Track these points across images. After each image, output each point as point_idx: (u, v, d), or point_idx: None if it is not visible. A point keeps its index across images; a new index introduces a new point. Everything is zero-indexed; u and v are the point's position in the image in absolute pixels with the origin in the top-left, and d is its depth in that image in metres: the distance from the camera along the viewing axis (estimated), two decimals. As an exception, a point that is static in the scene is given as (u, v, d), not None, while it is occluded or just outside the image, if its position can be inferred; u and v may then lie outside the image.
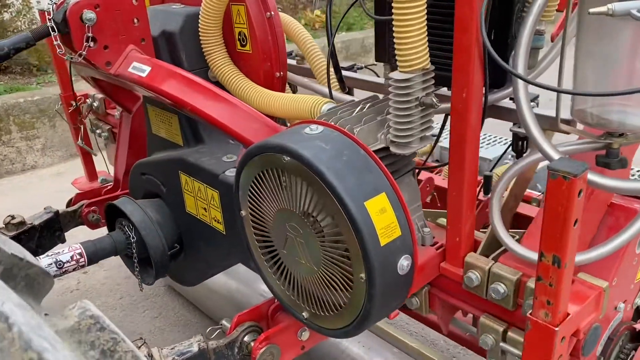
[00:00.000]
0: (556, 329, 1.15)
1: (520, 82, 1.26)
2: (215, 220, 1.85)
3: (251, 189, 1.40)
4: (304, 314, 1.43)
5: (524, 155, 1.46)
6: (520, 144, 1.56)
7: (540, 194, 2.04)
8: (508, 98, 1.51)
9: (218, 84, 1.92)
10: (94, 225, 2.67)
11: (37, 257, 1.89)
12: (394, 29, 1.28)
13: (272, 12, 1.85)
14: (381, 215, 1.22)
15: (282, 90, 1.96)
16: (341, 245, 1.25)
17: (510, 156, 2.14)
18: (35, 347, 0.45)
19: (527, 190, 1.74)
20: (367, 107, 1.47)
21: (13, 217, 2.31)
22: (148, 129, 2.19)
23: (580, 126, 1.34)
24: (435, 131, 1.57)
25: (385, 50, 1.59)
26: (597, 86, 1.21)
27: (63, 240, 2.55)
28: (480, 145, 1.92)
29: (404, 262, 1.26)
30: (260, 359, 1.50)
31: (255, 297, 2.53)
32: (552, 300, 1.14)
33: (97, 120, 2.99)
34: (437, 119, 1.50)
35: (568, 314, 1.20)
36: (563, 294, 1.14)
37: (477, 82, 1.27)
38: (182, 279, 2.24)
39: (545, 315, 1.16)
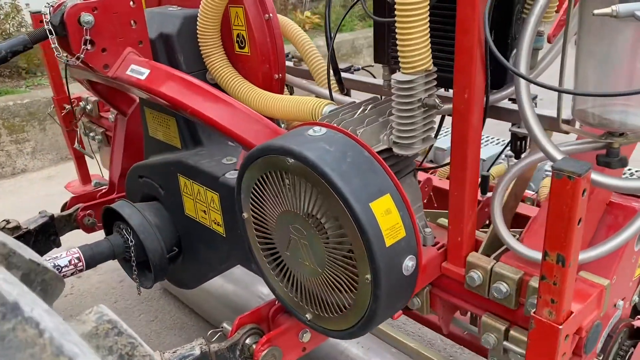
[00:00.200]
0: (560, 327, 1.16)
1: (523, 83, 1.27)
2: (215, 223, 1.85)
3: (254, 191, 1.40)
4: (307, 315, 1.43)
5: (524, 155, 1.47)
6: (519, 143, 1.57)
7: (534, 193, 2.06)
8: (507, 99, 1.52)
9: (216, 86, 1.91)
10: (89, 229, 2.65)
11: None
12: (396, 30, 1.28)
13: (271, 14, 1.84)
14: (386, 217, 1.22)
15: (281, 92, 1.95)
16: (346, 246, 1.25)
17: (504, 156, 2.15)
18: (67, 352, 0.45)
19: (524, 190, 1.76)
20: (368, 108, 1.48)
21: (8, 222, 2.29)
22: (145, 132, 2.17)
23: (579, 125, 1.35)
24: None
25: (384, 51, 1.59)
26: (598, 86, 1.22)
27: (58, 245, 2.53)
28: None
29: (408, 263, 1.26)
30: (263, 361, 1.50)
31: (253, 299, 2.53)
32: (556, 299, 1.15)
33: (90, 123, 2.96)
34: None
35: (571, 312, 1.21)
36: (567, 293, 1.14)
37: (478, 83, 1.28)
38: (181, 282, 2.23)
39: (549, 314, 1.17)
